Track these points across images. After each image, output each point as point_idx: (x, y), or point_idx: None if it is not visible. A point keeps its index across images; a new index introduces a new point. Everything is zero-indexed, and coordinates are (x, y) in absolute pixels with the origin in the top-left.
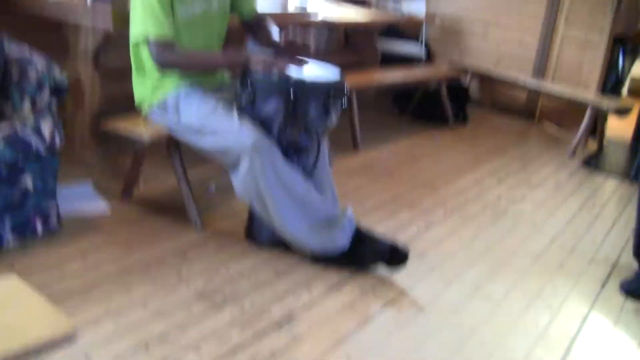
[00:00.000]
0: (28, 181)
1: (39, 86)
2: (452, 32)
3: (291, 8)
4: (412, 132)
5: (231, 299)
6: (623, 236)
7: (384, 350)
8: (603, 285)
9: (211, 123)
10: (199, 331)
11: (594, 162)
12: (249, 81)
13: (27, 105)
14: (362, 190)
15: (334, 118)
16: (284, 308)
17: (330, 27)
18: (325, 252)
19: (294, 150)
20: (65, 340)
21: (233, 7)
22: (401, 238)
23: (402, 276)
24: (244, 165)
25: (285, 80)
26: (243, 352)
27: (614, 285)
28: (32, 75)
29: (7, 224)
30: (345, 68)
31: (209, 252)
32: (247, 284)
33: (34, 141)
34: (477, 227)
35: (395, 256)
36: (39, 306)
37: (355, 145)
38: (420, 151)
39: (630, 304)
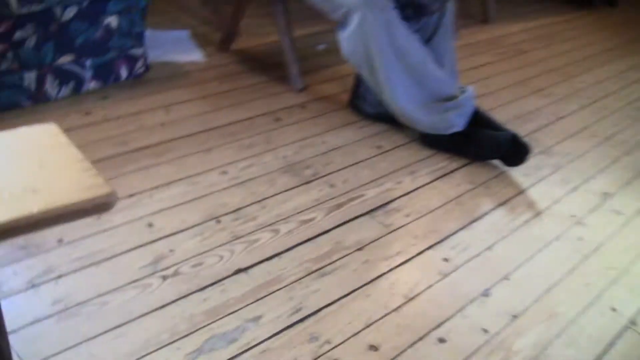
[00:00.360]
0: (112, 20)
1: None
2: None
3: None
4: (550, 11)
5: (322, 176)
6: None
7: (488, 257)
8: None
9: None
10: (279, 209)
11: None
12: None
13: None
14: (487, 68)
15: None
16: (380, 193)
17: None
18: (437, 132)
19: (413, 10)
20: (98, 208)
21: None
22: (525, 129)
23: (521, 174)
24: (353, 22)
25: None
26: (326, 239)
27: None
28: None
29: (88, 67)
30: None
31: (305, 119)
32: (342, 160)
33: None
34: (615, 126)
35: (515, 151)
36: (73, 165)
37: (484, 18)
38: (558, 33)
39: None
